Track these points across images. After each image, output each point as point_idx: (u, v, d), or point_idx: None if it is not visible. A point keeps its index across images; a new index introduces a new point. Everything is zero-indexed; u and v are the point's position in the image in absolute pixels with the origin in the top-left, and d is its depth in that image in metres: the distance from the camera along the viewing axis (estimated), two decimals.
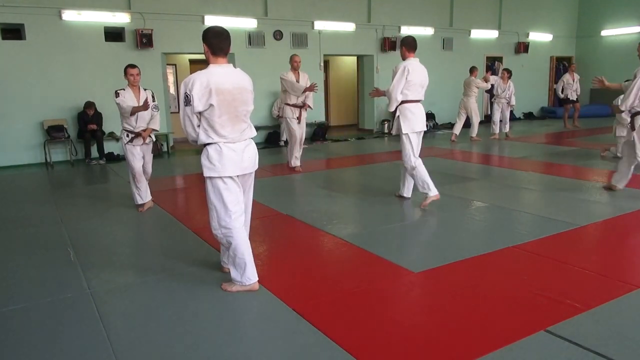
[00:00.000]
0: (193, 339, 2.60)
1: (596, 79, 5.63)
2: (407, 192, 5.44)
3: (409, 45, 5.03)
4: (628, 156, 5.40)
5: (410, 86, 4.97)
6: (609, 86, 5.62)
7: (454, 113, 10.82)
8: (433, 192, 5.05)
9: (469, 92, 10.37)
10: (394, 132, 5.26)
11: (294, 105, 7.26)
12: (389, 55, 12.36)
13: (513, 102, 10.65)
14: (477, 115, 10.54)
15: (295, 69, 7.18)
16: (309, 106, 7.42)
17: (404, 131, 5.04)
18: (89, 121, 8.72)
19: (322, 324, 2.70)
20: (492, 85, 10.77)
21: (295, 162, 7.45)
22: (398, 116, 5.09)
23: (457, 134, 10.47)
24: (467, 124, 10.77)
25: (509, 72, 10.69)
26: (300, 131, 7.35)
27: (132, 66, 5.09)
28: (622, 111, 5.31)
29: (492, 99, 10.97)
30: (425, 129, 5.20)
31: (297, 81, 7.16)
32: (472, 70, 10.44)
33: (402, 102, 5.03)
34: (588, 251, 3.87)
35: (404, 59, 5.07)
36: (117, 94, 5.01)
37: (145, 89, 5.19)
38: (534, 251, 3.76)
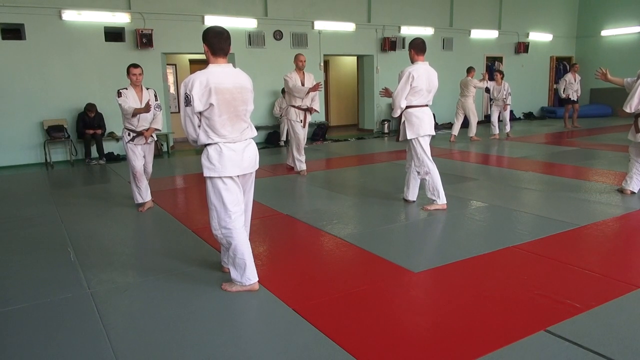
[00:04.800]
0: (193, 339, 2.60)
1: (600, 70, 5.54)
2: (412, 195, 5.27)
3: (418, 47, 4.83)
4: (637, 158, 5.35)
5: (416, 92, 4.82)
6: (611, 80, 5.51)
7: (454, 113, 10.84)
8: (442, 200, 4.96)
9: (466, 93, 10.41)
10: (400, 138, 5.07)
11: (299, 108, 6.99)
12: (389, 55, 12.37)
13: (508, 101, 10.70)
14: (475, 116, 10.57)
15: (300, 69, 6.90)
16: (315, 110, 7.20)
17: (408, 137, 4.92)
18: (90, 123, 8.73)
19: (322, 324, 2.70)
20: (488, 89, 10.87)
21: (301, 165, 7.16)
22: (403, 122, 4.95)
23: (456, 135, 10.51)
24: (465, 124, 10.80)
25: (502, 73, 10.89)
26: (303, 134, 7.12)
27: (135, 66, 5.08)
28: (628, 114, 5.25)
29: (491, 102, 11.04)
30: (434, 133, 5.03)
31: (303, 82, 6.89)
32: (469, 70, 10.47)
33: (407, 107, 4.89)
34: (588, 251, 3.87)
35: (412, 62, 4.88)
36: (119, 94, 4.99)
37: (147, 89, 5.18)
38: (534, 251, 3.76)
